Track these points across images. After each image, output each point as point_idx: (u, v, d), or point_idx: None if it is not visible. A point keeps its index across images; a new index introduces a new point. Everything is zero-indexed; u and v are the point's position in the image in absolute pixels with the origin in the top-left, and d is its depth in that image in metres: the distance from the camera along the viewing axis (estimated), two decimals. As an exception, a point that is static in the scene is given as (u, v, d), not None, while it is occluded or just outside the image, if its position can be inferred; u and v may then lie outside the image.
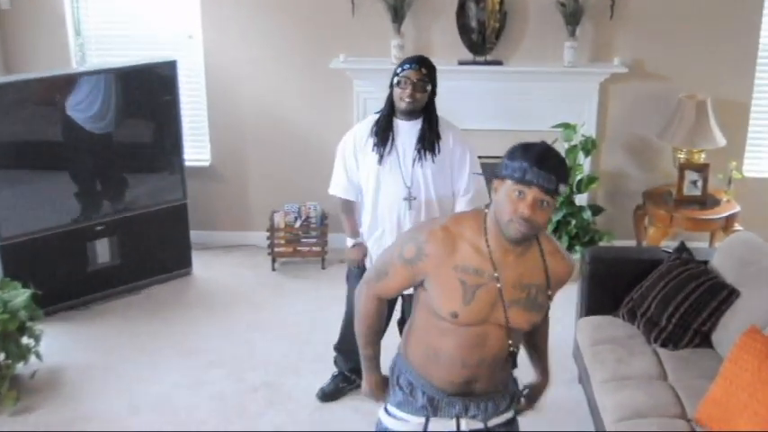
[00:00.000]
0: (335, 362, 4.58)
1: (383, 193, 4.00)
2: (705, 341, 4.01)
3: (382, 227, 4.06)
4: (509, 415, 2.81)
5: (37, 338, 4.65)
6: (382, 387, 2.86)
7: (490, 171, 2.66)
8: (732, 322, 3.87)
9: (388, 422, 2.78)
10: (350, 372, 4.49)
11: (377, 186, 4.00)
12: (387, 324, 3.13)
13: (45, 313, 4.88)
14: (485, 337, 2.56)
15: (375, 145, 3.96)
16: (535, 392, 2.96)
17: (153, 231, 5.73)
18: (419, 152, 3.93)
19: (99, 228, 5.51)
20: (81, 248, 5.47)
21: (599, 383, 3.89)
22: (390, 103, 3.93)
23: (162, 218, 5.75)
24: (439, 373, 2.65)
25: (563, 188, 2.40)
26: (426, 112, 3.93)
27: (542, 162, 2.37)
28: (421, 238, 2.57)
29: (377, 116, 4.01)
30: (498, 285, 2.50)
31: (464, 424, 2.69)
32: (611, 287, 4.39)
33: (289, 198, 6.12)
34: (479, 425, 2.71)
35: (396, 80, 3.86)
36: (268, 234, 6.05)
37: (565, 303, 5.27)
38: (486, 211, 2.56)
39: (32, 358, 4.62)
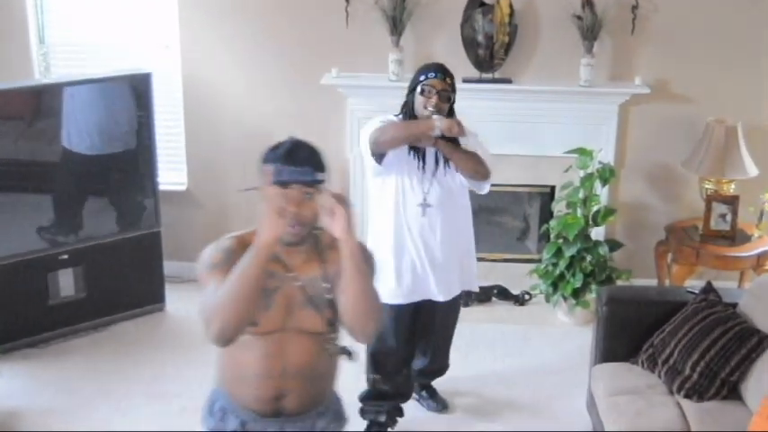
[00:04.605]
0: (364, 411, 4.61)
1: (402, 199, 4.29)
2: (733, 392, 4.05)
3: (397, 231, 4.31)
4: None
5: (-9, 379, 4.70)
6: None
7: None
8: (763, 372, 3.92)
9: None
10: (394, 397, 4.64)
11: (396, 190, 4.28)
12: None
13: (0, 351, 4.91)
14: (284, 345, 2.80)
15: None
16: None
17: (122, 262, 5.77)
18: (437, 162, 4.26)
19: (62, 257, 5.54)
20: (42, 280, 5.49)
21: (615, 438, 3.93)
22: (409, 109, 4.24)
23: (133, 247, 5.79)
24: (247, 390, 2.87)
25: (321, 175, 2.66)
26: None
27: (293, 158, 2.65)
28: (221, 245, 2.80)
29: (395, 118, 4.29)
30: (298, 284, 2.77)
31: None
32: (629, 331, 4.44)
33: (273, 227, 6.11)
34: None
35: (420, 88, 4.17)
36: (250, 267, 6.04)
37: (578, 349, 5.34)
38: None
39: (-15, 401, 4.66)
